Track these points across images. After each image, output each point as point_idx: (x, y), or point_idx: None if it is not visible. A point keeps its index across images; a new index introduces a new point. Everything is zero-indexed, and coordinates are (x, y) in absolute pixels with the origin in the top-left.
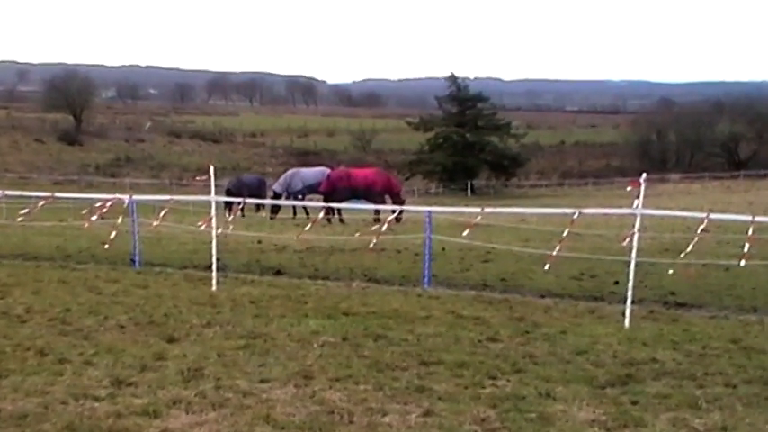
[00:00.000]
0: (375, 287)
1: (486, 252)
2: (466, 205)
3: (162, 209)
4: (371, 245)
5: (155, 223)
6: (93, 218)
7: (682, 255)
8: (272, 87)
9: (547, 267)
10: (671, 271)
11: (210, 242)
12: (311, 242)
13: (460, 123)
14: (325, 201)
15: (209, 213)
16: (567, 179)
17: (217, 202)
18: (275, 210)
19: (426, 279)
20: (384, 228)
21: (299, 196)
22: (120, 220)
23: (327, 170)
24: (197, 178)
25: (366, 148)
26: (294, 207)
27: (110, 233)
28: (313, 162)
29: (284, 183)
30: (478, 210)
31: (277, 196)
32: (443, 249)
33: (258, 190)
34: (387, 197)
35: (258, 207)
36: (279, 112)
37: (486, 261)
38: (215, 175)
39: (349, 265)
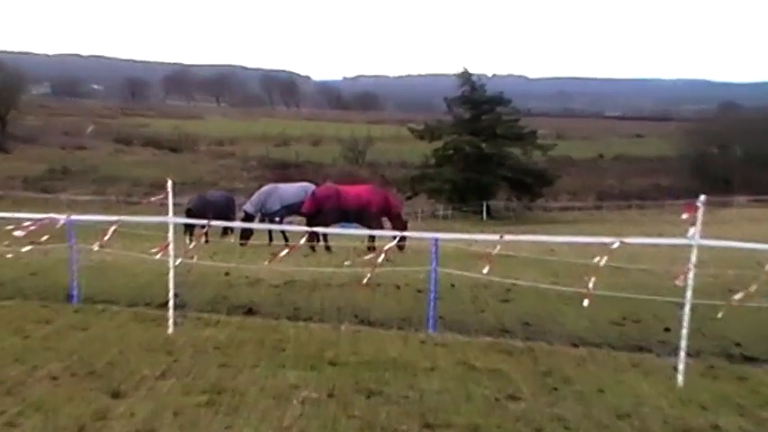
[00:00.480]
0: (368, 331)
1: (505, 290)
2: (480, 231)
3: (107, 232)
4: (365, 279)
5: (96, 248)
6: (26, 248)
7: (738, 295)
8: (245, 84)
9: (586, 303)
10: (720, 314)
11: (167, 273)
12: (290, 274)
13: (475, 131)
14: (309, 224)
15: (166, 238)
16: (605, 201)
17: (176, 225)
18: (246, 234)
19: (431, 322)
20: (380, 258)
21: (277, 218)
22: (53, 245)
23: (311, 187)
24: (152, 199)
25: (359, 159)
26: (270, 231)
27: (42, 261)
28: (294, 176)
29: (258, 202)
30: (496, 237)
31: (249, 218)
32: (452, 285)
33: (226, 210)
34: (384, 220)
35: (226, 231)
36: (253, 115)
37: (506, 301)
38: (173, 191)
39: (337, 304)
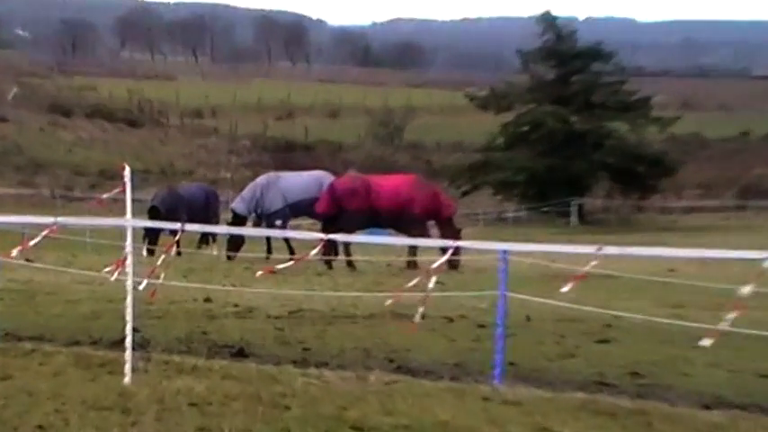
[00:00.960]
0: (408, 382)
1: (603, 325)
2: (568, 241)
3: (36, 239)
4: (416, 317)
5: (14, 252)
6: None
7: None
8: (232, 31)
9: (706, 343)
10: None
11: (123, 300)
12: (297, 301)
13: (561, 99)
14: (325, 230)
15: (122, 249)
16: (751, 199)
17: (136, 230)
18: (236, 244)
19: (498, 370)
20: (431, 283)
21: (278, 221)
22: None
23: (328, 177)
24: (104, 196)
25: (395, 139)
26: (269, 240)
27: None
28: (303, 163)
29: (252, 198)
30: (591, 249)
31: (239, 221)
32: (528, 318)
33: (205, 209)
34: (430, 225)
35: (206, 239)
36: (244, 76)
37: (604, 341)
38: (133, 183)
39: (363, 343)
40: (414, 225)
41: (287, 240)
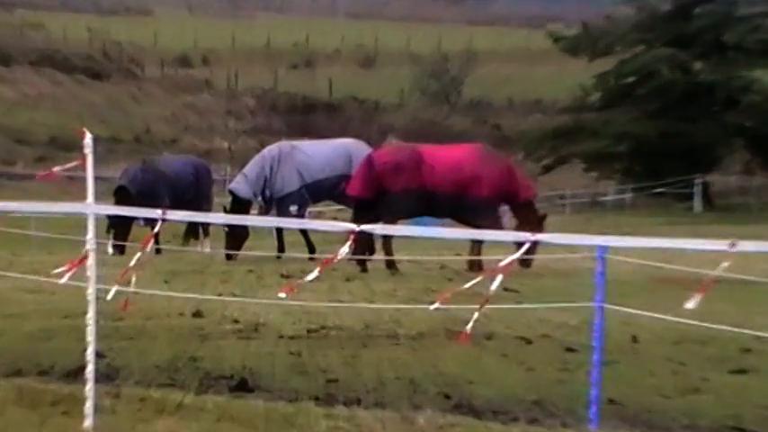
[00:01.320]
0: (470, 426)
1: (740, 349)
2: (691, 234)
3: None
4: (468, 326)
5: None
6: None
7: None
8: None
9: None
10: None
11: (82, 314)
12: (321, 315)
13: (680, 39)
14: (358, 219)
15: (82, 245)
16: None
17: (100, 219)
18: (236, 238)
19: (594, 410)
20: (494, 284)
21: (294, 207)
22: None
23: (362, 149)
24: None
25: (451, 95)
26: (280, 233)
27: None
28: (326, 127)
29: (258, 176)
30: (722, 245)
31: (241, 206)
32: (635, 340)
33: (194, 192)
34: (503, 211)
35: (194, 232)
36: (246, 9)
37: (741, 371)
38: (96, 154)
39: (408, 372)
40: (480, 212)
41: (305, 233)
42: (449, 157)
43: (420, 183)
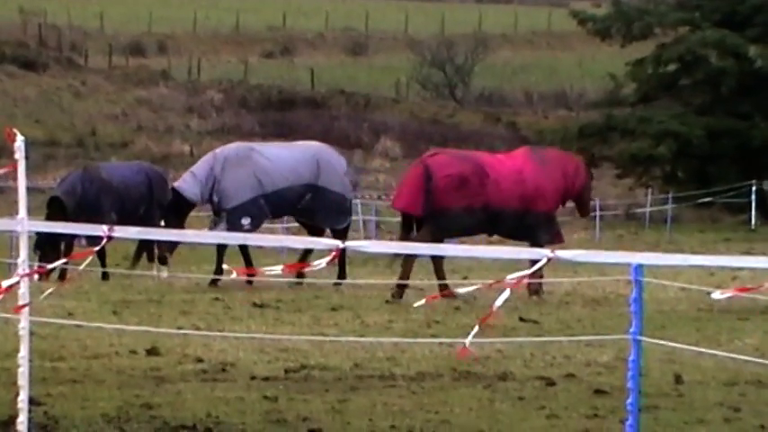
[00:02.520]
0: None
1: None
2: (747, 251)
3: None
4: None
5: None
6: None
7: None
8: None
9: None
10: None
11: (11, 354)
12: (299, 353)
13: (732, 19)
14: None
15: (10, 270)
16: None
17: (33, 237)
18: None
19: None
20: (499, 299)
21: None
22: None
23: (329, 153)
24: None
25: (456, 88)
26: (245, 250)
27: None
28: (307, 126)
29: (208, 177)
30: None
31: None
32: (679, 380)
33: (146, 205)
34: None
35: (147, 251)
36: None
37: None
38: (29, 160)
39: (408, 421)
40: (543, 228)
41: (245, 250)
42: (510, 169)
43: (485, 200)
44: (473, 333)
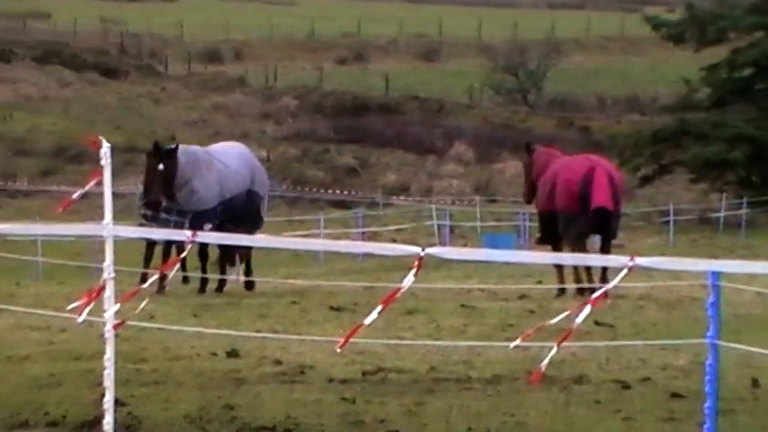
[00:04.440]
0: None
1: None
2: None
3: None
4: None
5: None
6: None
7: None
8: None
9: None
10: None
11: (96, 356)
12: (376, 356)
13: None
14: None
15: (97, 275)
16: None
17: (118, 242)
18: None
19: None
20: (580, 317)
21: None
22: None
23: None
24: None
25: (529, 93)
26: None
27: None
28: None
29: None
30: None
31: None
32: (757, 384)
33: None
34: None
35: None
36: None
37: None
38: (113, 165)
39: (484, 423)
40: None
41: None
42: (612, 170)
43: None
44: (551, 354)
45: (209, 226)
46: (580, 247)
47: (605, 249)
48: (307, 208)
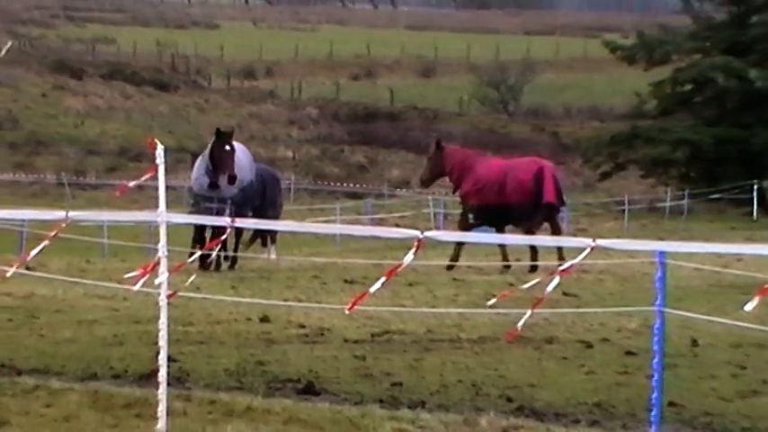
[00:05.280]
0: (532, 428)
1: None
2: (748, 239)
3: (42, 245)
4: (519, 323)
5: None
6: None
7: None
8: None
9: None
10: None
11: (151, 320)
12: (383, 321)
13: (737, 47)
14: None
15: (151, 253)
16: None
17: (170, 227)
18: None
19: (655, 413)
20: (550, 286)
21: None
22: None
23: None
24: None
25: (509, 103)
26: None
27: None
28: (387, 135)
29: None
30: None
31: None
32: (695, 343)
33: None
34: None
35: (259, 237)
36: (308, 20)
37: None
38: (166, 162)
39: (471, 376)
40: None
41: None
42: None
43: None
44: (526, 317)
45: (250, 213)
46: (533, 231)
47: (556, 233)
48: (325, 198)
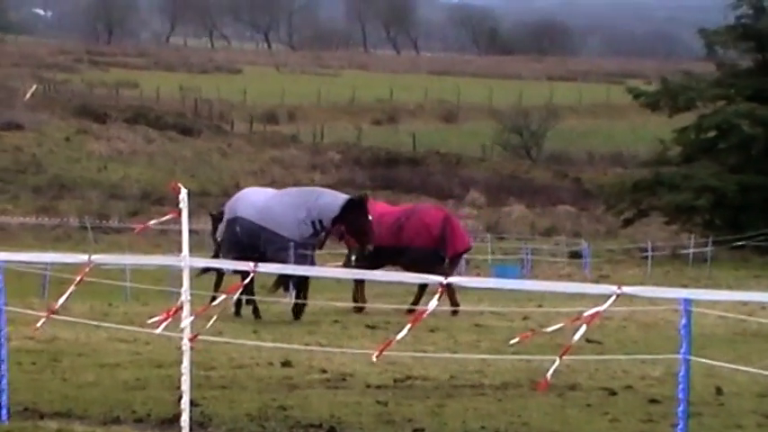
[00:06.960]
0: None
1: None
2: None
3: (65, 283)
4: (549, 373)
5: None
6: None
7: None
8: (316, 6)
9: None
10: None
11: (177, 364)
12: (405, 366)
13: (761, 94)
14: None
15: (173, 297)
16: None
17: (194, 272)
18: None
19: None
20: (577, 335)
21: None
22: None
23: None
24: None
25: (531, 149)
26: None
27: None
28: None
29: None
30: None
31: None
32: (720, 392)
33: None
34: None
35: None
36: (332, 66)
37: None
38: (189, 207)
39: (494, 422)
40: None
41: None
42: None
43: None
44: (554, 367)
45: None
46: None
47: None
48: None
